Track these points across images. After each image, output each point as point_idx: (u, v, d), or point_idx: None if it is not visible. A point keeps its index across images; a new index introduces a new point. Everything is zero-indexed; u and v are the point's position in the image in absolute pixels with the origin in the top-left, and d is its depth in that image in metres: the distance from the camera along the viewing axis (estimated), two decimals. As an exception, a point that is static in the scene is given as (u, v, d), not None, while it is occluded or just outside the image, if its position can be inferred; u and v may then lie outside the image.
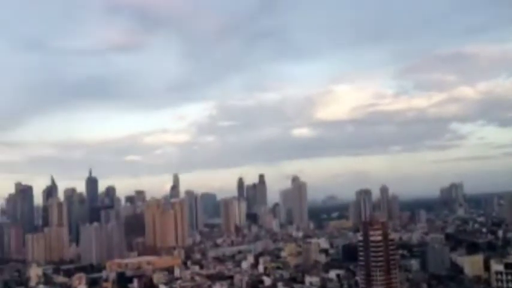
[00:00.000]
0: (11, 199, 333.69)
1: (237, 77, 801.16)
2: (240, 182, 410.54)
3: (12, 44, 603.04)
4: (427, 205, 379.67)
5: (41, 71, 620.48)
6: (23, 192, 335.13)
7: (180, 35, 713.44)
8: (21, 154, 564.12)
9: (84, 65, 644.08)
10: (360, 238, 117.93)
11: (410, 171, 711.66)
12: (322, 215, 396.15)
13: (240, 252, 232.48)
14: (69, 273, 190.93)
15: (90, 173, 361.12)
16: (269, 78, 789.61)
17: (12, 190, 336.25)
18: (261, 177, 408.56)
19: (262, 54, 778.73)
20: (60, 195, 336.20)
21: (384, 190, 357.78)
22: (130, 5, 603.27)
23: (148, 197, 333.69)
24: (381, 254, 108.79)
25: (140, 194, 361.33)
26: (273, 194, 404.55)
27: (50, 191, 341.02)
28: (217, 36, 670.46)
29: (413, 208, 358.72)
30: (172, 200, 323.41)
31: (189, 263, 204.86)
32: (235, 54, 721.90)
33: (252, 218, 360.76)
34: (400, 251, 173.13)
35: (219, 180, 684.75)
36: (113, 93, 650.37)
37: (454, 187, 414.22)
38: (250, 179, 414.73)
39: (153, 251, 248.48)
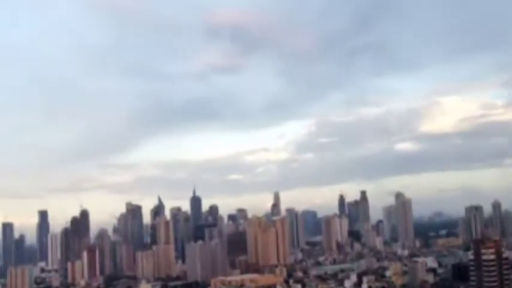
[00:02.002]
0: (122, 218, 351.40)
1: (336, 93, 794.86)
2: (341, 198, 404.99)
3: (123, 72, 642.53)
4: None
5: (149, 96, 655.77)
6: (133, 211, 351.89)
7: (278, 54, 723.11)
8: (132, 175, 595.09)
9: (188, 88, 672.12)
10: (471, 257, 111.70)
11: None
12: (428, 232, 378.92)
13: (342, 270, 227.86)
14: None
15: (194, 192, 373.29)
16: (369, 92, 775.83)
17: (123, 210, 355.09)
18: (363, 193, 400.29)
19: (362, 69, 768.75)
20: (167, 214, 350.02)
21: (496, 206, 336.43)
22: (229, 28, 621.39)
23: (250, 215, 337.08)
24: (494, 273, 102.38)
25: (242, 212, 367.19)
26: (376, 211, 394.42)
27: (158, 210, 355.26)
28: (314, 53, 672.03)
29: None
30: (274, 218, 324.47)
31: (291, 281, 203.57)
32: (334, 70, 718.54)
33: (354, 235, 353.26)
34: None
35: (320, 197, 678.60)
36: (215, 114, 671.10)
37: None
38: (352, 195, 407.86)
39: (256, 268, 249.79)
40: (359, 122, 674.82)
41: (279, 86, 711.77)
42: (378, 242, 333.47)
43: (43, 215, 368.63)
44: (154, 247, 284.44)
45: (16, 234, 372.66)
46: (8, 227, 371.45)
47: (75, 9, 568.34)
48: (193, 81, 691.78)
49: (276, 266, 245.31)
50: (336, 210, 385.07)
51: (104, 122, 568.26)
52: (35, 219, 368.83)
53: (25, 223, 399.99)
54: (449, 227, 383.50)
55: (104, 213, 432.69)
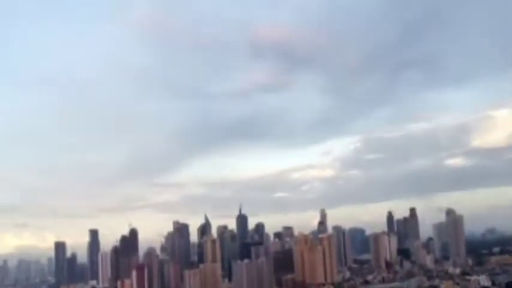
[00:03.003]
0: (169, 237, 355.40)
1: (383, 109, 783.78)
2: (390, 215, 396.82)
3: (168, 91, 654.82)
4: None
5: (195, 115, 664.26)
6: (180, 230, 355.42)
7: (323, 70, 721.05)
8: (179, 194, 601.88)
9: (234, 108, 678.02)
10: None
11: None
12: (481, 249, 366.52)
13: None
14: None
15: (240, 210, 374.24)
16: (417, 107, 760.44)
17: (171, 228, 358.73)
18: (412, 210, 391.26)
19: (410, 84, 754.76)
20: (214, 232, 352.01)
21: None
22: (274, 45, 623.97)
23: (296, 233, 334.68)
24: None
25: (288, 229, 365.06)
26: (426, 228, 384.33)
27: (204, 229, 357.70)
28: (360, 68, 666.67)
29: None
30: (320, 235, 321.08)
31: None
32: (380, 85, 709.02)
33: (404, 253, 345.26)
34: None
35: (368, 215, 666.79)
36: (260, 132, 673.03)
37: None
38: (401, 212, 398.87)
39: (302, 287, 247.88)
40: (407, 137, 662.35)
41: (324, 103, 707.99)
42: (429, 260, 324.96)
43: (94, 234, 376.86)
44: (201, 265, 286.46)
45: (68, 253, 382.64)
46: (60, 246, 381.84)
47: (120, 31, 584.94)
48: (238, 100, 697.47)
49: (323, 285, 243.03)
50: (385, 228, 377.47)
51: (151, 142, 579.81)
52: (86, 238, 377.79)
53: (77, 242, 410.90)
54: (502, 244, 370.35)
55: (152, 231, 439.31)
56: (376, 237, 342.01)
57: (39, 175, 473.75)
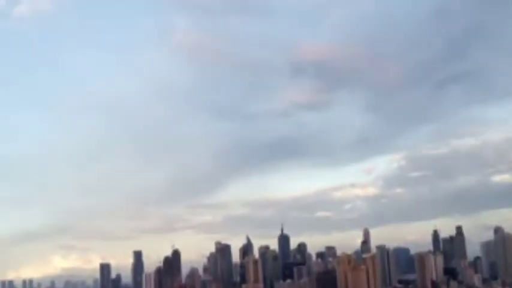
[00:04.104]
0: (211, 257, 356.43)
1: (427, 125, 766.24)
2: (435, 234, 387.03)
3: (208, 113, 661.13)
4: None
5: (235, 135, 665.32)
6: (222, 250, 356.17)
7: (364, 88, 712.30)
8: (220, 215, 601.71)
9: (274, 127, 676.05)
10: None
11: None
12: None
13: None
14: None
15: (282, 230, 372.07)
16: (462, 123, 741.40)
17: (213, 249, 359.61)
18: (458, 228, 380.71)
19: (453, 99, 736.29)
20: (255, 252, 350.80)
21: None
22: (314, 63, 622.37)
23: (339, 253, 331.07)
24: None
25: (331, 249, 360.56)
26: (473, 247, 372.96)
27: (246, 249, 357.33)
28: (402, 85, 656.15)
29: None
30: (364, 255, 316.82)
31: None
32: (423, 101, 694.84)
33: (450, 273, 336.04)
34: None
35: (412, 234, 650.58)
36: (301, 151, 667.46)
37: None
38: (447, 231, 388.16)
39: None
40: (452, 154, 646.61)
41: (366, 120, 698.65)
42: (476, 280, 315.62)
43: (138, 255, 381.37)
44: (243, 286, 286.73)
45: (113, 274, 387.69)
46: (105, 267, 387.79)
47: (162, 55, 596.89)
48: (279, 119, 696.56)
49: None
50: (430, 247, 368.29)
51: (193, 164, 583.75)
52: (130, 259, 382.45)
53: (121, 263, 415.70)
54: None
55: (195, 252, 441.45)
56: (422, 256, 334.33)
57: (86, 198, 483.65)
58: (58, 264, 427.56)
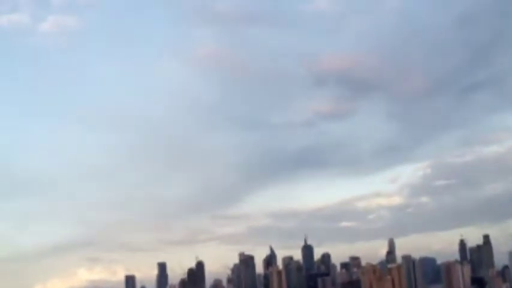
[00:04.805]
0: (235, 268, 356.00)
1: (452, 133, 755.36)
2: (462, 243, 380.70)
3: (231, 125, 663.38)
4: None
5: (258, 147, 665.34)
6: (246, 261, 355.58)
7: (387, 96, 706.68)
8: (243, 226, 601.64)
9: (297, 137, 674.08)
10: None
11: None
12: None
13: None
14: None
15: (306, 240, 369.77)
16: (488, 130, 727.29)
17: (236, 260, 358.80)
18: (486, 237, 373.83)
19: (479, 106, 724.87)
20: (279, 263, 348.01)
21: None
22: (336, 73, 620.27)
23: (363, 263, 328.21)
24: None
25: (355, 260, 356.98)
26: (501, 256, 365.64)
27: (270, 260, 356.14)
28: (426, 93, 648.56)
29: None
30: (389, 266, 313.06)
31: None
32: (448, 109, 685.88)
33: (478, 282, 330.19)
34: None
35: (438, 243, 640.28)
36: (324, 161, 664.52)
37: None
38: (473, 240, 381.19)
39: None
40: (478, 161, 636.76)
41: (390, 129, 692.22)
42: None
43: (162, 267, 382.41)
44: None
45: (138, 286, 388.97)
46: (130, 280, 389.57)
47: (184, 68, 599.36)
48: (301, 129, 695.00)
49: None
50: (457, 256, 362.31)
51: (215, 175, 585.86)
52: (154, 271, 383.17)
53: (146, 275, 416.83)
54: None
55: (218, 264, 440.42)
56: (448, 266, 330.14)
57: (111, 211, 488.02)
58: (84, 276, 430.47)
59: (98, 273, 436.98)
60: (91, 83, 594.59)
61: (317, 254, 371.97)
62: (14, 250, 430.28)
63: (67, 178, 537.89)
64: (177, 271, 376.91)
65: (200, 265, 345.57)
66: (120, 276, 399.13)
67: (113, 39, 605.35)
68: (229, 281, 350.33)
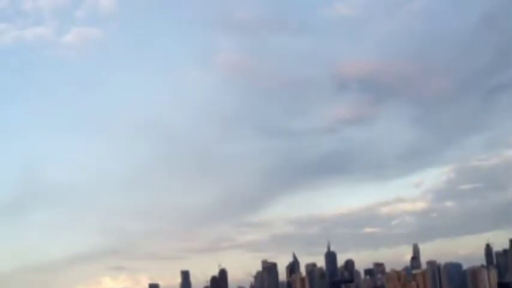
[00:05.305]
0: (258, 276, 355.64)
1: (476, 136, 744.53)
2: (488, 248, 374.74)
3: (253, 132, 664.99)
4: None
5: (280, 154, 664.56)
6: (269, 269, 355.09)
7: (410, 100, 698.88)
8: (266, 233, 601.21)
9: (319, 143, 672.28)
10: None
11: None
12: None
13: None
14: None
15: (329, 247, 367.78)
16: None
17: (259, 267, 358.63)
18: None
19: (504, 109, 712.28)
20: (302, 270, 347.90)
21: None
22: (358, 78, 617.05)
23: (388, 269, 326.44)
24: None
25: (379, 266, 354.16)
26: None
27: (293, 267, 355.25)
28: (450, 96, 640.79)
29: None
30: (414, 271, 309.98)
31: None
32: (473, 112, 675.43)
33: (505, 287, 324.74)
34: None
35: (464, 248, 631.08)
36: (347, 167, 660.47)
37: None
38: (500, 244, 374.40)
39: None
40: (503, 164, 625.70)
41: (413, 133, 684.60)
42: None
43: (185, 275, 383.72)
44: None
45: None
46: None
47: (207, 76, 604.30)
48: (323, 135, 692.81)
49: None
50: (483, 261, 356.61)
51: (238, 182, 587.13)
52: (178, 279, 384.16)
53: (169, 283, 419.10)
54: None
55: (241, 271, 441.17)
56: (474, 271, 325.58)
57: (134, 219, 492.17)
58: (108, 285, 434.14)
59: (122, 282, 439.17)
60: (114, 93, 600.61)
61: (340, 260, 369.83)
62: (42, 259, 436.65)
63: (92, 188, 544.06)
64: (201, 279, 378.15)
65: (223, 273, 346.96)
66: (144, 285, 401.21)
67: (135, 50, 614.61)
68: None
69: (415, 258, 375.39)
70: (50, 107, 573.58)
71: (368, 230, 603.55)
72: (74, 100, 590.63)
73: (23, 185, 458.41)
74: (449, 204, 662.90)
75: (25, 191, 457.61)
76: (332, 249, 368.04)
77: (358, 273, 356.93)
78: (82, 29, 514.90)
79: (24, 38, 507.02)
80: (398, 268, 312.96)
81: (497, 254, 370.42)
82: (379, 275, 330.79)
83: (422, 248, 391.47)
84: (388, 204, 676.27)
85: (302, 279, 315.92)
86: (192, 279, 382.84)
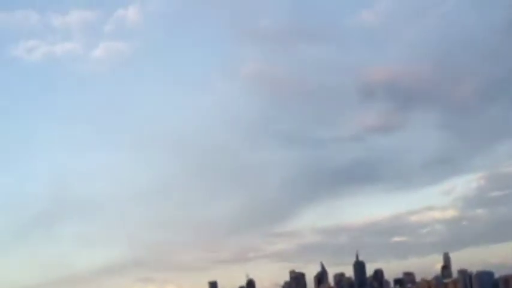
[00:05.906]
0: (286, 286, 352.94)
1: (506, 142, 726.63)
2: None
3: (278, 141, 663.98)
4: None
5: (306, 163, 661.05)
6: (297, 279, 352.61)
7: (438, 107, 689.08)
8: (294, 243, 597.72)
9: (345, 152, 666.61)
10: None
11: None
12: None
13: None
14: None
15: (357, 256, 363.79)
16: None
17: (287, 278, 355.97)
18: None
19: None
20: (330, 280, 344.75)
21: None
22: (384, 85, 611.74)
23: (418, 279, 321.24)
24: None
25: (409, 275, 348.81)
26: None
27: (321, 277, 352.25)
28: (479, 102, 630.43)
29: None
30: (445, 281, 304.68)
31: None
32: (502, 117, 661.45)
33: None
34: None
35: (496, 256, 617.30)
36: (374, 175, 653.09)
37: None
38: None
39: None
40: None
41: (441, 140, 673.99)
42: None
43: (213, 286, 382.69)
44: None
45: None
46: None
47: (230, 86, 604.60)
48: (349, 144, 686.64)
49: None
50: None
51: (264, 192, 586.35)
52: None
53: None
54: None
55: (269, 281, 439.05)
56: (507, 279, 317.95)
57: (161, 231, 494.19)
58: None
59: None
60: (141, 106, 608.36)
61: (369, 270, 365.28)
62: (70, 271, 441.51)
63: (118, 199, 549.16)
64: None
65: (251, 283, 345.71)
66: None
67: (161, 62, 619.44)
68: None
69: (446, 267, 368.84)
70: (79, 121, 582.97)
71: (397, 239, 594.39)
72: (102, 113, 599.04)
73: (52, 198, 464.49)
74: (479, 211, 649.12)
75: (54, 204, 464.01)
76: (360, 258, 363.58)
77: (387, 283, 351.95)
78: (110, 43, 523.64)
79: (53, 53, 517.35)
80: (429, 277, 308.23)
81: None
82: (409, 285, 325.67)
83: (453, 256, 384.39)
84: (417, 212, 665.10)
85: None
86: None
